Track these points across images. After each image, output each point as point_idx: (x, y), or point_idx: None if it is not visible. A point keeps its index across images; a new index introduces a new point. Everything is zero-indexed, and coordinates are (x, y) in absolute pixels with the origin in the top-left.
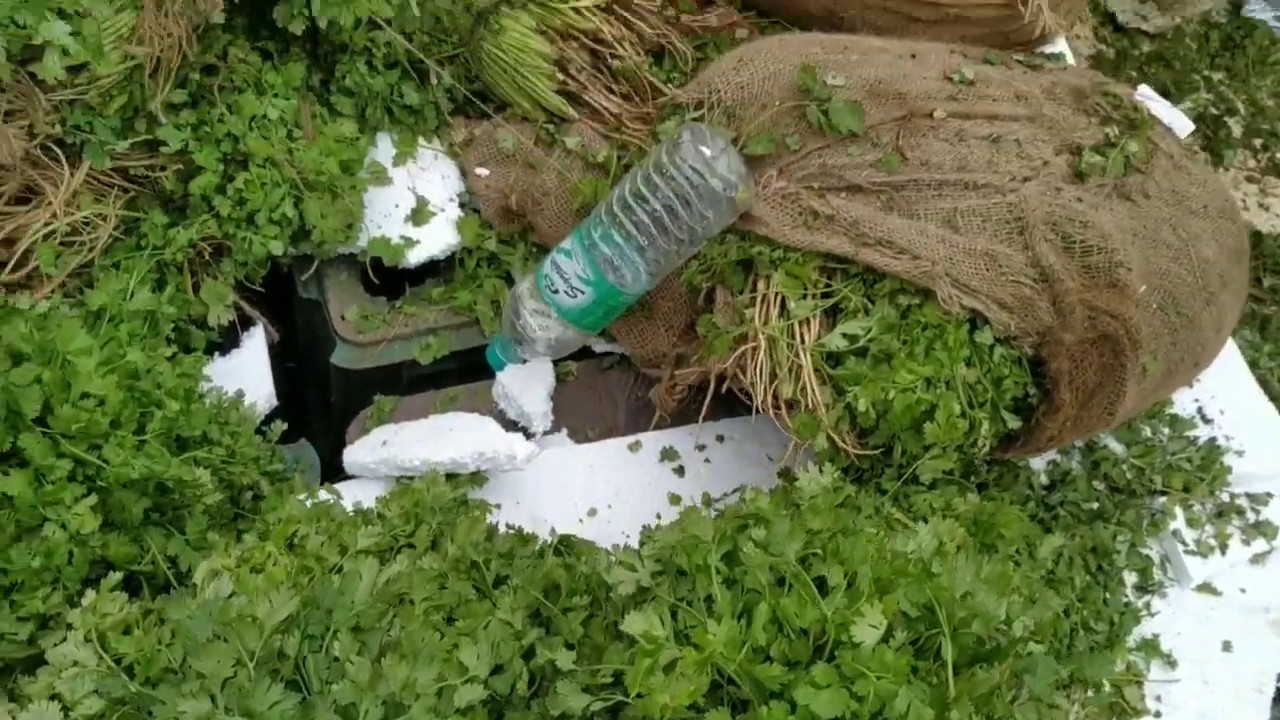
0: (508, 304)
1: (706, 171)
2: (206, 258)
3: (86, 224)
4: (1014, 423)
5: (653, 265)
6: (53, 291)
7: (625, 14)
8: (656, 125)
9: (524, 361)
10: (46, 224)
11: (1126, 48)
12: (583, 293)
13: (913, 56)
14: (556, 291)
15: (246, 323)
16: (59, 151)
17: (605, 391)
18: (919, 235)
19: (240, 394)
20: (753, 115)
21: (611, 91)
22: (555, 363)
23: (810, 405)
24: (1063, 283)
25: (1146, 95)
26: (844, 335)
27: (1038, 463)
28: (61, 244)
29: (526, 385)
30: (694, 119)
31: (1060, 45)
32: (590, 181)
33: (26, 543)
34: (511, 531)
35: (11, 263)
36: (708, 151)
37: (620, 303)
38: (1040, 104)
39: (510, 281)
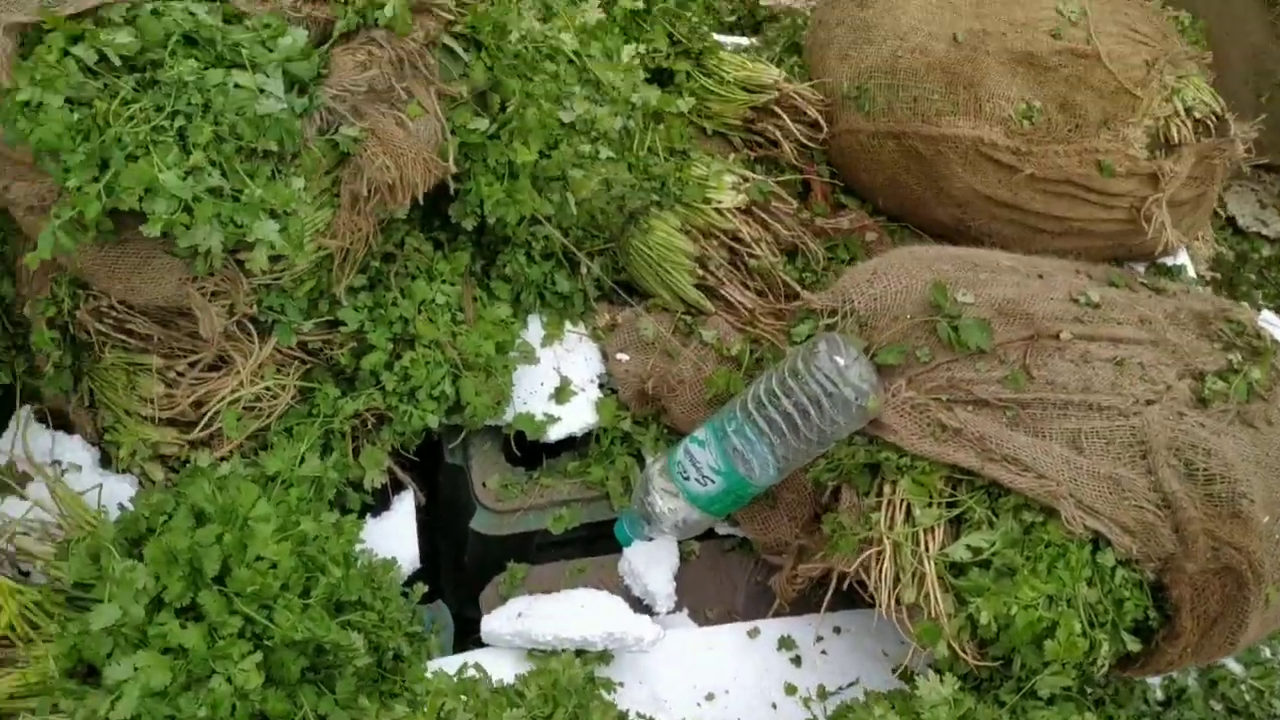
0: (639, 483)
1: (840, 380)
2: (369, 426)
3: (268, 391)
4: (1134, 645)
5: (782, 461)
6: (230, 451)
7: (763, 215)
8: (791, 326)
9: (650, 539)
10: (233, 391)
11: (1246, 251)
12: (713, 481)
13: (1040, 277)
14: (688, 478)
15: (397, 486)
16: (251, 327)
17: (726, 573)
18: (1044, 454)
19: (393, 560)
20: (884, 326)
21: (746, 287)
22: (679, 541)
23: (933, 613)
24: (1185, 510)
25: (1269, 321)
26: (968, 547)
27: (1155, 678)
28: (244, 408)
29: (652, 563)
30: (828, 325)
31: (1181, 255)
32: (724, 374)
33: (195, 692)
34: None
35: (200, 424)
36: (841, 360)
37: (748, 493)
38: (1164, 329)
39: (641, 460)
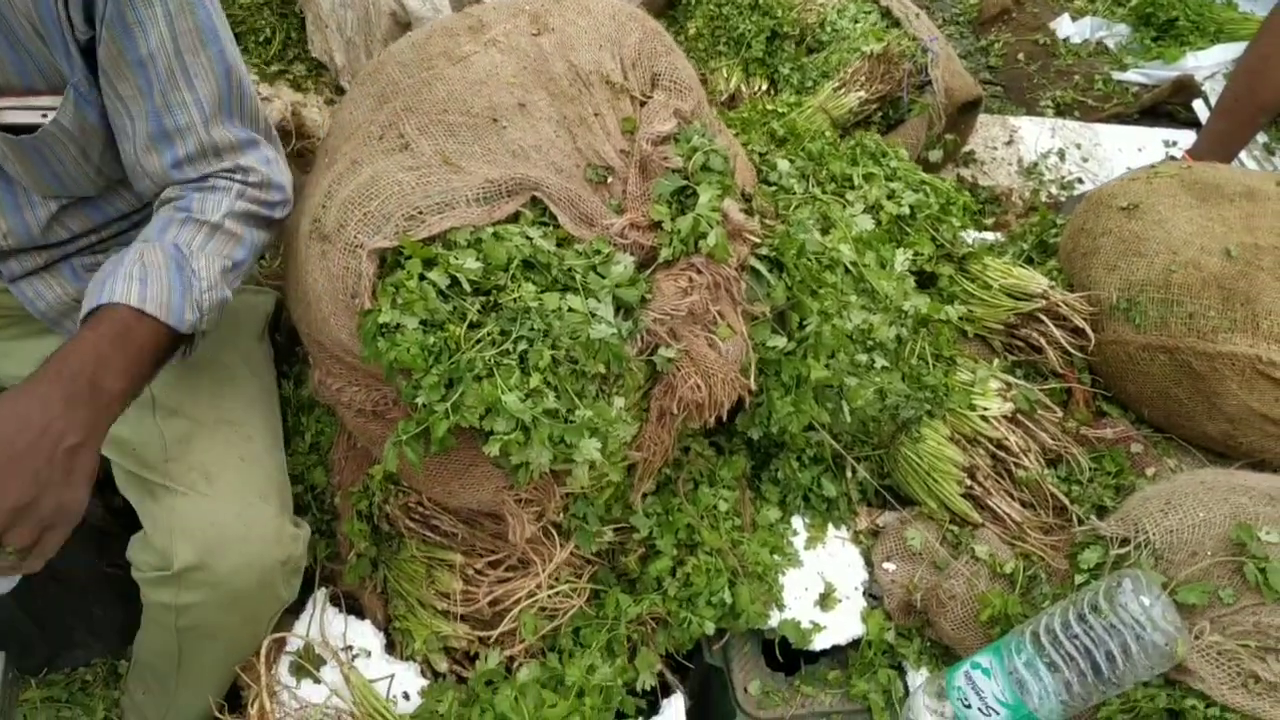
0: (906, 705)
1: (1148, 623)
2: (649, 629)
3: (560, 594)
4: None
5: (1075, 699)
6: (520, 651)
7: (1028, 424)
8: (1075, 551)
9: None
10: (530, 594)
11: None
12: (997, 713)
13: None
14: (969, 706)
15: (666, 689)
16: (554, 532)
17: None
18: None
19: None
20: (1182, 561)
21: (1011, 497)
22: None
23: None
24: None
25: None
26: None
27: None
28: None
29: None
30: (1119, 555)
31: None
32: (999, 594)
33: None
34: None
35: (497, 622)
36: (1147, 601)
37: None
38: None
39: (903, 672)
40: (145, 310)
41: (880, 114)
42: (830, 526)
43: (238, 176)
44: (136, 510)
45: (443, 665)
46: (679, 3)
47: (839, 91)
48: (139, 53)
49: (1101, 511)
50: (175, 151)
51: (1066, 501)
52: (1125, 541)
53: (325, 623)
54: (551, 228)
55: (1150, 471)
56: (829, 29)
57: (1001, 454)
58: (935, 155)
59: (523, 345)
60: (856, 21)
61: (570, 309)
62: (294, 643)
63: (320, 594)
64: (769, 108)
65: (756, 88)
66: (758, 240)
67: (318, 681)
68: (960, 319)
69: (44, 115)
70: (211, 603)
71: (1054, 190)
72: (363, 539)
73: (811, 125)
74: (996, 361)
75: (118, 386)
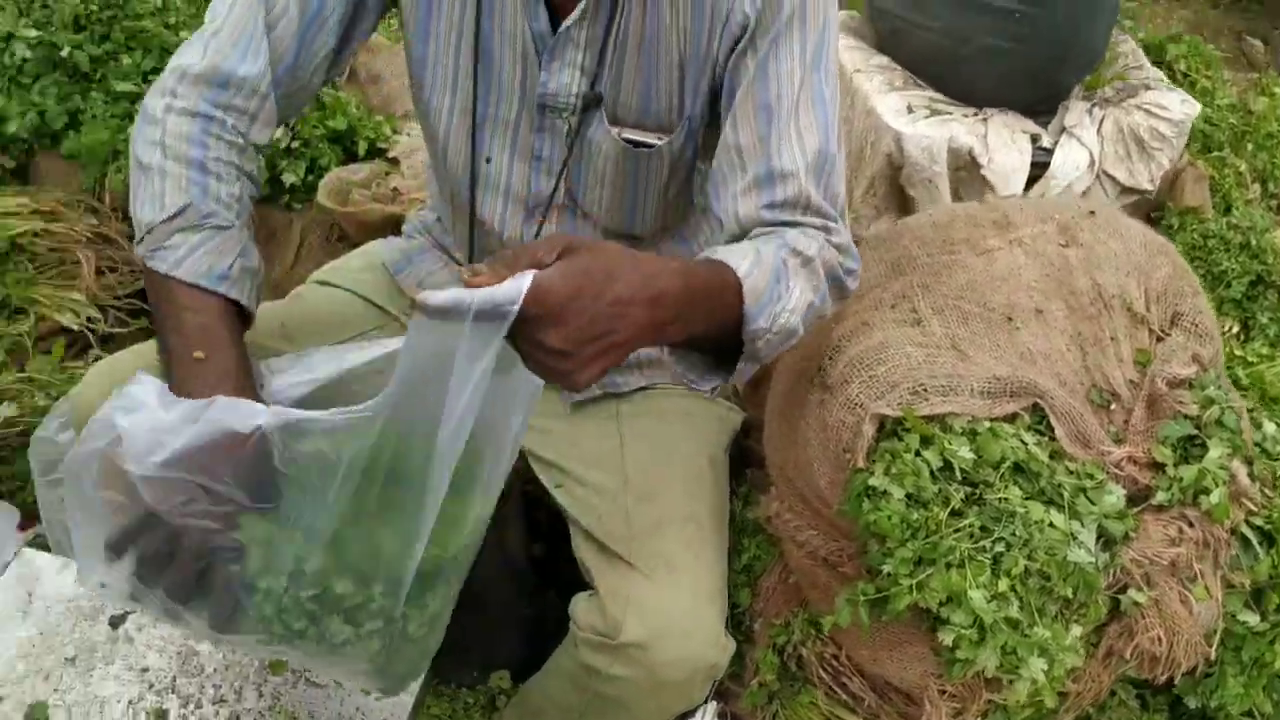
0: None
1: None
2: None
3: None
4: None
5: None
6: None
7: None
8: None
9: None
10: None
11: None
12: None
13: None
14: None
15: None
16: None
17: None
18: None
19: None
20: None
21: None
22: None
23: None
24: None
25: None
26: None
27: None
28: None
29: None
30: None
31: None
32: None
33: None
34: None
35: None
36: None
37: None
38: None
39: None
40: (743, 286)
41: None
42: None
43: (824, 234)
44: (592, 571)
45: None
46: (1157, 224)
47: None
48: (768, 96)
49: None
50: (775, 194)
51: None
52: None
53: None
54: (1046, 438)
55: None
56: None
57: None
58: None
59: (999, 547)
60: None
61: (1052, 524)
62: None
63: (712, 707)
64: (1237, 353)
65: (1226, 328)
66: (1254, 509)
67: None
68: None
69: (659, 138)
70: (638, 682)
71: None
72: (770, 671)
73: None
74: None
75: (681, 335)
